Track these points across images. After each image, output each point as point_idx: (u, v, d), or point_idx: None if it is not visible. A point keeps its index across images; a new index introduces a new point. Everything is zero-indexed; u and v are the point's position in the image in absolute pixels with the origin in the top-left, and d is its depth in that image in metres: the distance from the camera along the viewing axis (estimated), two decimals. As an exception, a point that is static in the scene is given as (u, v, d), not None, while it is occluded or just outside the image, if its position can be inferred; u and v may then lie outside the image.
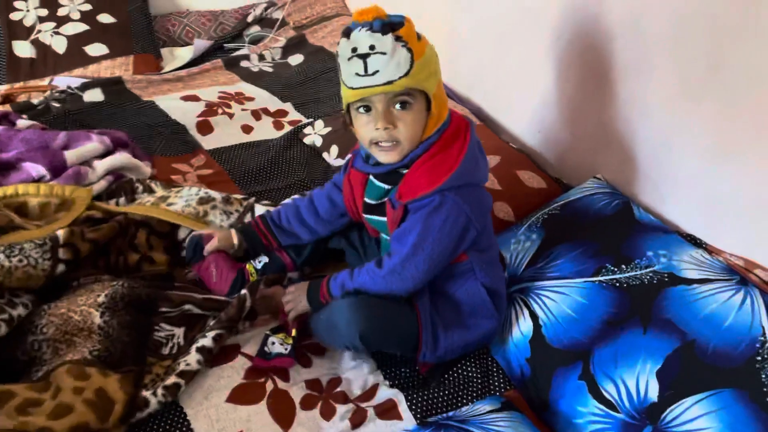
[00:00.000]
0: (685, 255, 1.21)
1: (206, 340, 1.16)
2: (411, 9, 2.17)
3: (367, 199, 1.24)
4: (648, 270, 1.19)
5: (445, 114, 1.13)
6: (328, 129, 1.96)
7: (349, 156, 1.30)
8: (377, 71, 1.03)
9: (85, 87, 2.16)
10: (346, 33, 1.07)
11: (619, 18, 1.33)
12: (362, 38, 1.03)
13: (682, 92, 1.25)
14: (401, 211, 1.14)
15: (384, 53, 1.03)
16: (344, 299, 1.14)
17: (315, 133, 1.97)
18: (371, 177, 1.22)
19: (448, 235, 1.11)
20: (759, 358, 1.00)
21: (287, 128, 2.06)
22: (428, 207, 1.11)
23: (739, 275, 1.16)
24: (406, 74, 1.04)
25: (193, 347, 1.15)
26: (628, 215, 1.34)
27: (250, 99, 2.22)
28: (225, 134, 2.01)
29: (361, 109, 1.10)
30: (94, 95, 2.14)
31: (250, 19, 2.64)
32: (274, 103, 2.21)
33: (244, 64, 2.45)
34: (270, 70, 2.42)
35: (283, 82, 2.31)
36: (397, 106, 1.08)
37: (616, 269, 1.22)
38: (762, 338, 1.03)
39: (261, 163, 1.87)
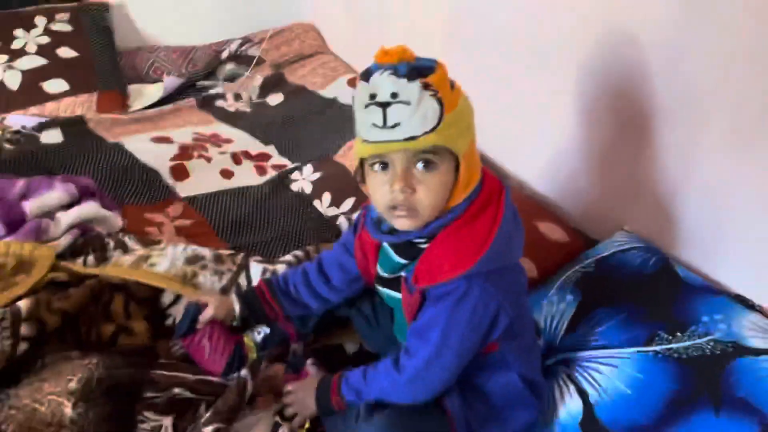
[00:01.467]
0: (743, 320, 1.09)
1: (203, 437, 0.97)
2: (400, 42, 2.07)
3: (380, 270, 1.06)
4: (708, 338, 1.06)
5: (476, 179, 0.95)
6: (318, 174, 1.80)
7: (359, 212, 1.14)
8: (398, 124, 0.86)
9: (42, 127, 1.94)
10: (365, 75, 0.88)
11: (656, 59, 1.23)
12: (384, 83, 0.86)
13: (731, 139, 1.14)
14: (418, 297, 0.97)
15: (408, 103, 0.85)
16: (370, 424, 0.96)
17: (303, 179, 1.81)
18: (385, 245, 1.04)
19: (476, 327, 0.94)
20: None
21: (271, 173, 1.89)
22: (452, 296, 0.92)
23: (807, 343, 1.04)
24: (433, 129, 0.86)
25: (188, 444, 0.96)
26: (671, 274, 1.21)
27: (228, 141, 2.05)
28: (203, 180, 1.82)
29: (377, 167, 0.92)
30: (53, 136, 1.92)
31: (224, 56, 2.47)
32: (255, 145, 2.04)
33: (219, 103, 2.27)
34: (248, 110, 2.26)
35: (264, 124, 2.14)
36: (420, 165, 0.89)
37: (670, 337, 1.08)
38: None
39: (245, 213, 1.69)
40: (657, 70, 1.23)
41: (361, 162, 0.95)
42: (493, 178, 1.00)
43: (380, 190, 0.92)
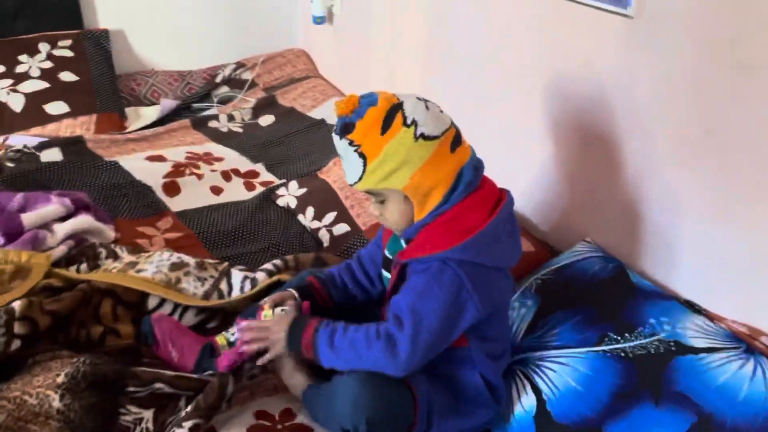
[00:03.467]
0: (687, 322, 1.17)
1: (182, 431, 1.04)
2: (382, 67, 2.18)
3: (386, 252, 1.19)
4: (653, 338, 1.14)
5: (436, 198, 1.04)
6: (303, 190, 1.89)
7: None
8: (345, 172, 1.07)
9: (42, 146, 2.05)
10: None
11: (608, 81, 1.33)
12: (334, 138, 1.06)
13: (676, 156, 1.23)
14: (397, 271, 1.09)
15: (342, 157, 1.06)
16: (349, 376, 1.04)
17: (289, 194, 1.90)
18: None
19: (445, 309, 1.02)
20: (781, 432, 0.95)
21: (259, 189, 1.98)
22: (427, 273, 1.03)
23: (745, 343, 1.12)
24: (360, 178, 1.04)
25: (166, 437, 1.03)
26: (625, 280, 1.29)
27: (219, 159, 2.14)
28: (193, 195, 1.92)
29: None
30: (52, 155, 2.03)
31: (218, 79, 2.59)
32: (244, 163, 2.13)
33: (212, 124, 2.38)
34: (239, 130, 2.36)
35: (254, 143, 2.25)
36: (372, 199, 1.09)
37: (619, 338, 1.16)
38: (781, 411, 0.98)
39: (232, 226, 1.78)
40: (608, 91, 1.33)
41: None
42: (493, 186, 1.11)
43: None
